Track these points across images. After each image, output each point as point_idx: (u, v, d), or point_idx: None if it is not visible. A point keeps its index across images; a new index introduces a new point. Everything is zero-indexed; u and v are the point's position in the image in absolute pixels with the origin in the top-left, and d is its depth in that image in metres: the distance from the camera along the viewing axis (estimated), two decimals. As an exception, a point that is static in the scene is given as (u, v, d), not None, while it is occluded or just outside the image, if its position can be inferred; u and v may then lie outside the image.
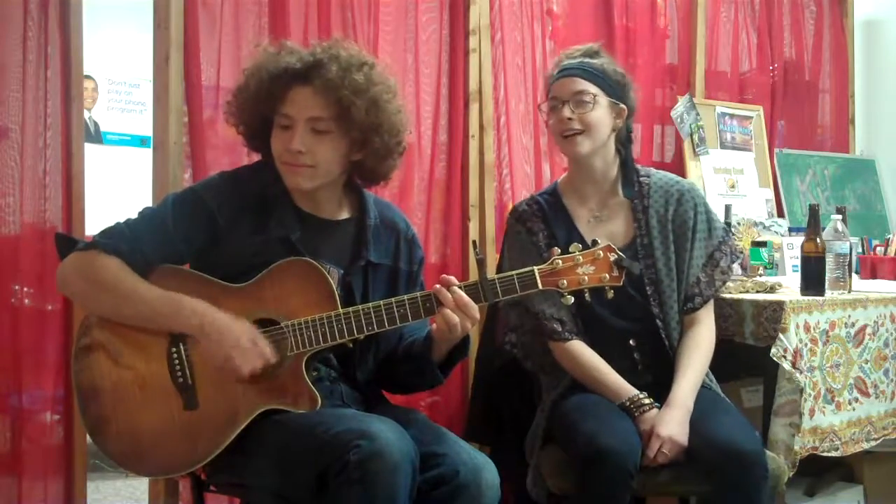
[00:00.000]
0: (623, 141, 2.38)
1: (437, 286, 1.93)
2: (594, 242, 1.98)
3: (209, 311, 1.91)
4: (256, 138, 2.08)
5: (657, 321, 2.31)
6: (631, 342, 2.33)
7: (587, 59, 2.34)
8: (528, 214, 2.40)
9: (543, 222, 2.38)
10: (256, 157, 2.16)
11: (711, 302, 2.37)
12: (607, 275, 1.96)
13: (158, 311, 1.92)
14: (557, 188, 2.45)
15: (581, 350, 2.30)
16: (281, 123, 2.01)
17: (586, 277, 1.95)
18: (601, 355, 2.29)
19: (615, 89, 2.32)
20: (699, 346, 2.30)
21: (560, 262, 1.95)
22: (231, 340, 1.88)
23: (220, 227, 1.99)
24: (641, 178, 2.40)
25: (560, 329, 2.30)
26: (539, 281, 1.94)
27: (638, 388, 2.24)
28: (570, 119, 2.28)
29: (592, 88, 2.29)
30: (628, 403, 2.21)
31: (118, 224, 1.99)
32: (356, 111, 1.96)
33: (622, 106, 2.34)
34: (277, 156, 2.01)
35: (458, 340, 2.00)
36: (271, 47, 2.10)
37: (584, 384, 2.29)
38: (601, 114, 2.30)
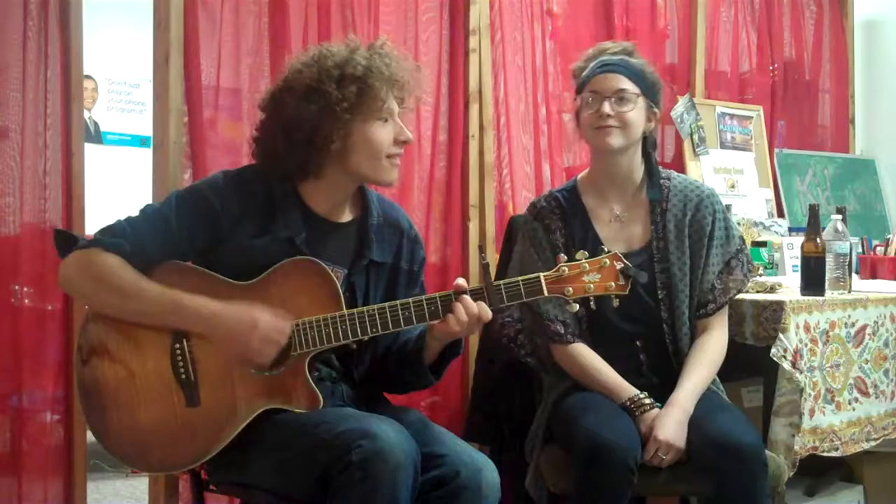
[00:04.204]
0: (651, 145, 2.37)
1: (457, 304, 1.91)
2: (601, 250, 1.97)
3: (209, 308, 1.91)
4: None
5: (664, 326, 2.31)
6: (637, 343, 2.32)
7: (627, 58, 2.33)
8: (546, 211, 2.37)
9: (562, 220, 2.36)
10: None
11: (725, 309, 2.36)
12: (613, 283, 1.94)
13: (162, 309, 1.92)
14: (577, 185, 2.42)
15: (582, 352, 2.29)
16: (381, 117, 2.01)
17: (592, 285, 1.94)
18: (607, 355, 2.29)
19: (651, 92, 2.32)
20: (707, 353, 2.30)
21: (566, 269, 1.94)
22: (239, 343, 1.89)
23: (223, 226, 1.98)
24: (662, 181, 2.38)
25: (563, 331, 2.30)
26: (545, 288, 1.93)
27: (642, 390, 2.23)
28: (609, 115, 2.26)
29: (634, 88, 2.28)
30: (629, 403, 2.21)
31: (119, 222, 1.98)
32: None
33: (655, 109, 2.34)
34: (385, 148, 2.01)
35: (453, 339, 2.00)
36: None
37: (585, 385, 2.29)
38: (638, 114, 2.29)
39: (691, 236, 2.33)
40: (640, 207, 2.37)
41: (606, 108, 2.26)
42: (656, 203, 2.35)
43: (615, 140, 2.28)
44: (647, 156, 2.38)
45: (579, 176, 2.45)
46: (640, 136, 2.32)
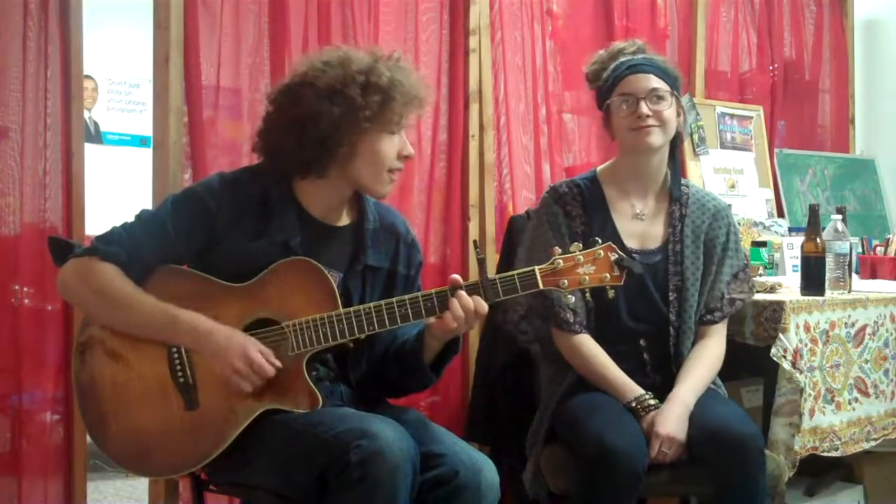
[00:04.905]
0: (676, 143, 2.38)
1: (453, 300, 1.91)
2: (594, 241, 1.97)
3: (203, 327, 1.90)
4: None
5: (671, 328, 2.32)
6: (642, 342, 2.32)
7: (651, 56, 2.34)
8: (568, 197, 2.36)
9: (582, 208, 2.36)
10: (255, 158, 2.13)
11: (726, 319, 2.38)
12: (608, 274, 1.94)
13: (155, 322, 1.92)
14: (597, 176, 2.41)
15: (589, 345, 2.29)
16: (393, 130, 2.01)
17: (587, 277, 1.94)
18: (611, 352, 2.29)
19: (676, 87, 2.33)
20: (705, 358, 2.31)
21: (561, 261, 1.94)
22: (225, 362, 1.88)
23: (218, 228, 1.98)
24: (682, 187, 2.40)
25: (571, 320, 2.29)
26: (540, 281, 1.93)
27: (645, 389, 2.23)
28: (648, 115, 2.26)
29: (665, 86, 2.29)
30: (634, 403, 2.20)
31: (116, 228, 1.98)
32: None
33: (682, 105, 2.35)
34: (389, 161, 2.01)
35: (451, 337, 2.00)
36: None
37: (588, 379, 2.28)
38: (672, 112, 2.30)
39: (706, 244, 2.36)
40: (660, 208, 2.39)
41: (644, 108, 2.26)
42: (676, 206, 2.37)
43: (656, 139, 2.28)
44: (672, 153, 2.38)
45: (599, 168, 2.45)
46: (674, 133, 2.33)
